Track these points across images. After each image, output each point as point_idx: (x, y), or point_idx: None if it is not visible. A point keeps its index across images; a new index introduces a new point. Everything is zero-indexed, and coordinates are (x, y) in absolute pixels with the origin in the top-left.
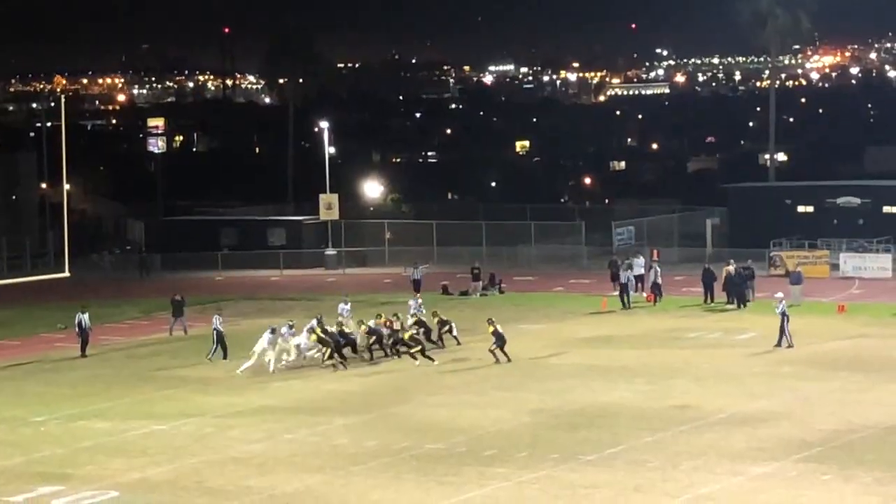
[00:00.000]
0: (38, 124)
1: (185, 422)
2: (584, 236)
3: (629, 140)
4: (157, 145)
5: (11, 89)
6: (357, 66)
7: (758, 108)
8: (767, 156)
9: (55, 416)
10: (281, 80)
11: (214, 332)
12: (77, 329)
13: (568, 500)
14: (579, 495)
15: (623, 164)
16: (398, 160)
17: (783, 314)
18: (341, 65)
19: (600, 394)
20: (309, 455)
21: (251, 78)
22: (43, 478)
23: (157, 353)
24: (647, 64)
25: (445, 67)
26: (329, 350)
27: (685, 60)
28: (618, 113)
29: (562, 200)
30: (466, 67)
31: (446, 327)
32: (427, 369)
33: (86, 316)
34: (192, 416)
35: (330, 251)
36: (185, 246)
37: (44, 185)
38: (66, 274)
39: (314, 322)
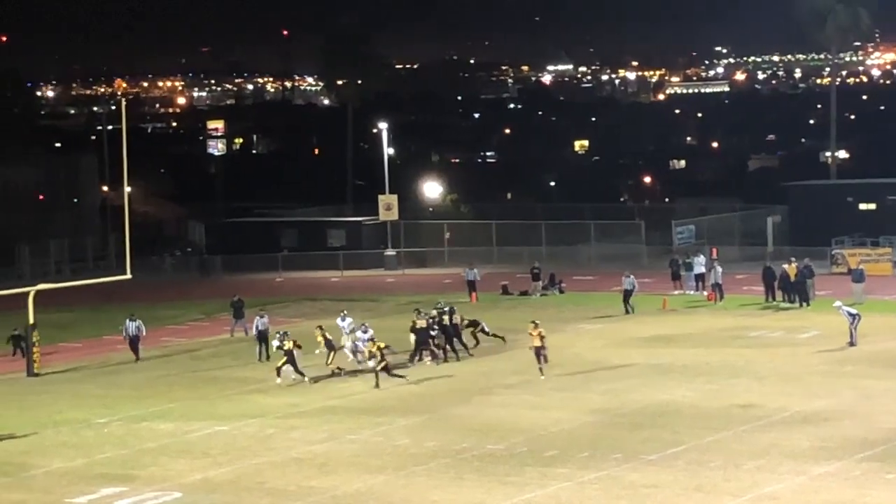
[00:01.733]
0: (99, 127)
1: (246, 423)
2: (643, 235)
3: (689, 139)
4: (216, 147)
5: (73, 93)
6: (415, 66)
7: (818, 106)
8: (828, 153)
9: (118, 418)
10: (339, 82)
11: (257, 332)
12: (125, 336)
13: (629, 500)
14: (641, 495)
15: (683, 162)
16: (457, 160)
17: (852, 315)
18: (400, 66)
19: (661, 393)
20: (370, 455)
21: (310, 80)
22: (106, 479)
23: (218, 354)
24: (707, 62)
25: (504, 67)
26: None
27: (745, 58)
28: (677, 111)
29: (621, 199)
30: (525, 67)
31: (478, 327)
32: (487, 369)
33: (134, 324)
34: (253, 417)
35: (389, 252)
36: (245, 247)
37: (105, 188)
38: (128, 276)
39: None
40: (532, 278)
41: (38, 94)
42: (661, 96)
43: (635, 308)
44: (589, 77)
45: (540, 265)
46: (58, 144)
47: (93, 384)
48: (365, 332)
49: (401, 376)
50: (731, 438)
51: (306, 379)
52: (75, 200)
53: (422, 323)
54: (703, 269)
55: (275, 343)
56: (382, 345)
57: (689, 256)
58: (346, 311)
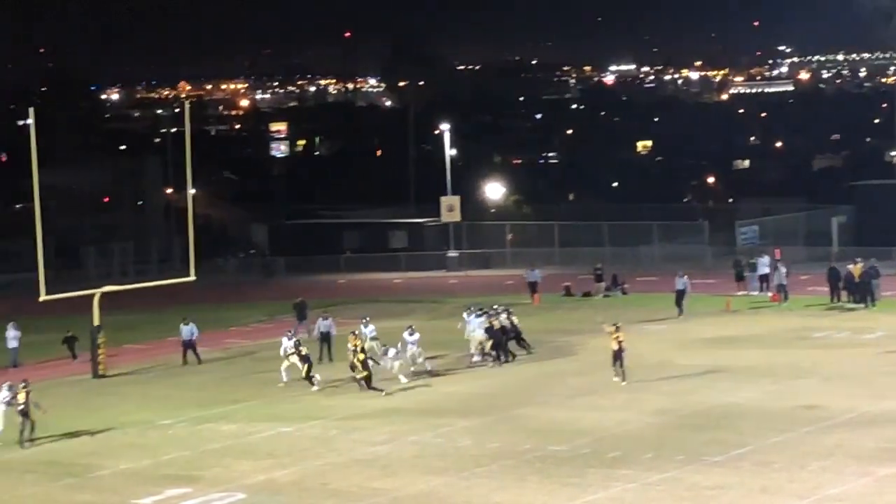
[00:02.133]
0: (164, 130)
1: (310, 424)
2: (707, 236)
3: (752, 138)
4: (279, 149)
5: (137, 96)
6: (477, 68)
7: (883, 105)
8: (894, 153)
9: (182, 419)
10: (401, 83)
11: (319, 334)
12: (181, 339)
13: (693, 501)
14: (705, 497)
15: (747, 162)
16: (519, 161)
17: None
18: (461, 67)
19: (726, 394)
20: (433, 457)
21: (372, 81)
22: (170, 480)
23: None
24: (771, 62)
25: (566, 68)
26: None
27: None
28: (741, 111)
29: (684, 200)
30: (587, 68)
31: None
32: (549, 370)
33: (188, 327)
34: (316, 419)
35: (452, 253)
36: (307, 249)
37: (169, 191)
38: (192, 278)
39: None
40: (595, 279)
41: (103, 97)
42: (724, 96)
43: (685, 309)
44: (652, 77)
45: (603, 266)
46: (123, 147)
47: (157, 386)
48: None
49: (379, 389)
50: (796, 440)
51: (314, 387)
52: (140, 203)
53: (497, 323)
54: (767, 270)
55: (289, 348)
56: (362, 356)
57: (753, 257)
58: (368, 318)
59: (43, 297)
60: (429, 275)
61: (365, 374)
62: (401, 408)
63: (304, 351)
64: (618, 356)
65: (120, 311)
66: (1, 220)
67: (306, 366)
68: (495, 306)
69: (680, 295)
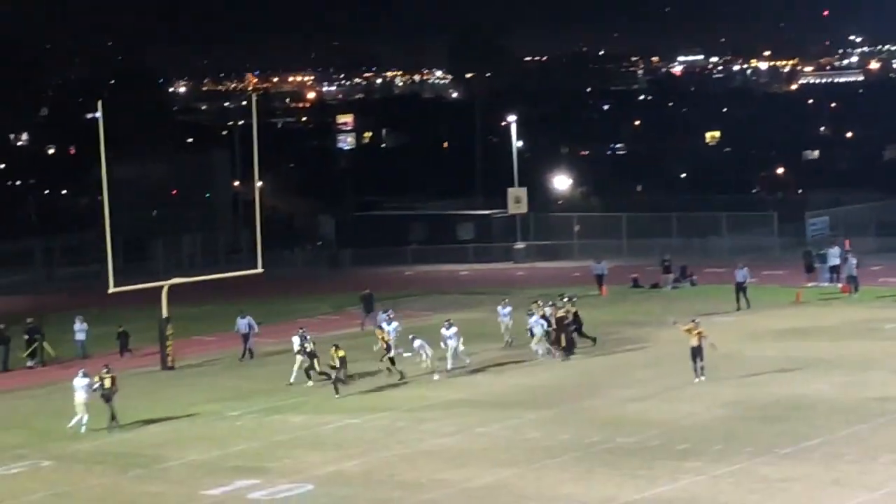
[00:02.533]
0: (231, 123)
1: (377, 416)
2: (776, 227)
3: (822, 129)
4: (346, 142)
5: (204, 88)
6: (544, 59)
7: None
8: None
9: (251, 411)
10: (468, 75)
11: (379, 328)
12: (238, 332)
13: (763, 493)
14: (775, 489)
15: (816, 153)
16: (586, 153)
17: None
18: (528, 59)
19: (796, 386)
20: (501, 449)
21: (438, 73)
22: (239, 471)
23: (349, 347)
24: (840, 51)
25: (633, 59)
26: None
27: (879, 47)
28: (810, 101)
29: (753, 191)
30: (654, 58)
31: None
32: (618, 362)
33: (245, 320)
34: (384, 410)
35: (519, 245)
36: (374, 241)
37: (236, 183)
38: (260, 270)
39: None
40: (663, 270)
41: (171, 90)
42: (793, 86)
43: (749, 302)
44: (720, 67)
45: (671, 257)
46: (190, 140)
47: (225, 377)
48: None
49: (336, 392)
50: (867, 432)
51: (310, 382)
52: (207, 195)
53: (560, 313)
54: (837, 261)
55: (295, 344)
56: (342, 353)
57: (823, 248)
58: (391, 313)
59: (112, 290)
60: (496, 266)
61: (343, 369)
62: (469, 399)
63: (309, 347)
64: (697, 353)
65: (188, 303)
66: (70, 214)
67: (310, 361)
68: (565, 297)
69: (740, 287)
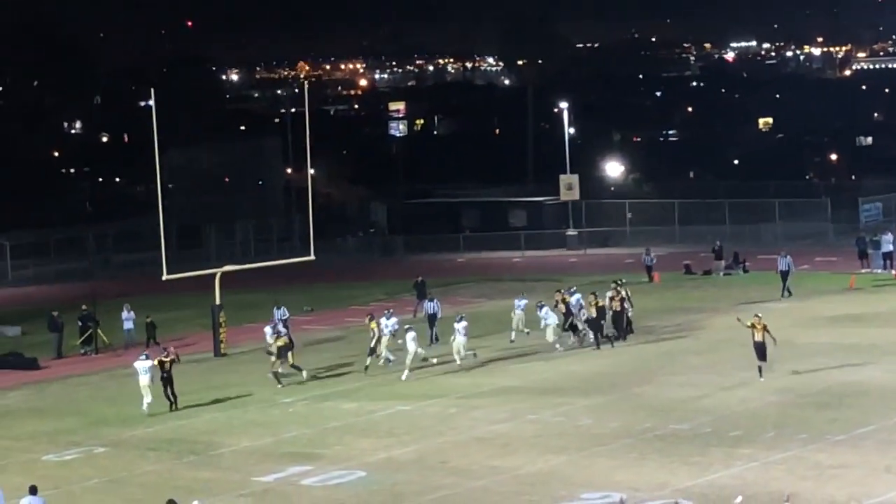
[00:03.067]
0: (283, 111)
1: (429, 402)
2: (829, 213)
3: (876, 115)
4: (398, 129)
5: (257, 76)
6: (596, 46)
7: None
8: None
9: (303, 397)
10: (520, 62)
11: (426, 316)
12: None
13: (816, 480)
14: (827, 476)
15: (870, 139)
16: (638, 139)
17: None
18: (580, 45)
19: (849, 373)
20: (553, 436)
21: (490, 60)
22: (292, 458)
23: (401, 334)
24: (894, 37)
25: (686, 45)
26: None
27: None
28: (864, 87)
29: (806, 177)
30: (707, 45)
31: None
32: (669, 349)
33: (280, 311)
34: (436, 397)
35: (571, 232)
36: (426, 228)
37: (289, 170)
38: (312, 257)
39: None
40: (714, 257)
41: (223, 78)
42: (846, 72)
43: (790, 290)
44: (773, 53)
45: (722, 244)
46: (242, 128)
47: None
48: (394, 326)
49: (280, 383)
50: None
51: (280, 384)
52: (260, 183)
53: (602, 303)
54: (890, 248)
55: (268, 335)
56: (282, 343)
57: (876, 234)
58: (392, 310)
59: (166, 277)
60: (548, 253)
61: (277, 362)
62: (520, 387)
63: (281, 343)
64: (761, 349)
65: (241, 290)
66: (123, 201)
67: (279, 359)
68: (617, 281)
69: (784, 275)
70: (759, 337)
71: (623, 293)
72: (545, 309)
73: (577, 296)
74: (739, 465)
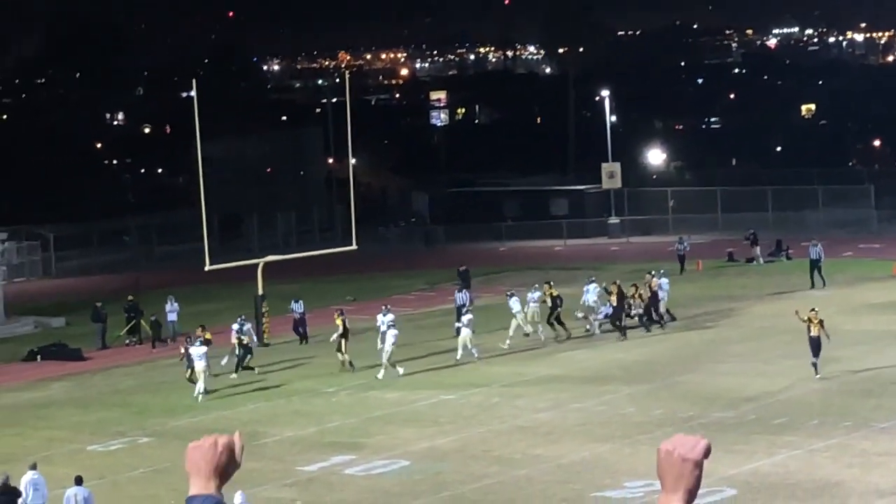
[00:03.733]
0: (324, 101)
1: (472, 391)
2: (873, 200)
3: None
4: (439, 118)
5: (298, 67)
6: (638, 33)
7: None
8: None
9: (346, 387)
10: (561, 50)
11: (456, 307)
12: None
13: (861, 468)
14: (872, 463)
15: None
16: (680, 127)
17: None
18: (621, 33)
19: (893, 359)
20: (596, 424)
21: (531, 48)
22: (335, 447)
23: (443, 324)
24: None
25: (727, 32)
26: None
27: None
28: None
29: (850, 164)
30: (749, 31)
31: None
32: (713, 337)
33: (297, 304)
34: (479, 386)
35: (613, 220)
36: (468, 217)
37: (330, 160)
38: (354, 247)
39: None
40: (750, 244)
41: (265, 68)
42: (889, 58)
43: (826, 280)
44: (815, 40)
45: (755, 231)
46: (284, 118)
47: (321, 353)
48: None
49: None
50: None
51: (234, 375)
52: (301, 173)
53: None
54: None
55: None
56: (208, 335)
57: None
58: (388, 306)
59: (208, 267)
60: (590, 242)
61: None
62: (563, 375)
63: (245, 340)
64: (817, 345)
65: (283, 280)
66: (165, 192)
67: (237, 358)
68: (652, 272)
69: (814, 265)
70: (814, 332)
71: (653, 282)
72: (514, 299)
73: (594, 287)
74: (783, 453)
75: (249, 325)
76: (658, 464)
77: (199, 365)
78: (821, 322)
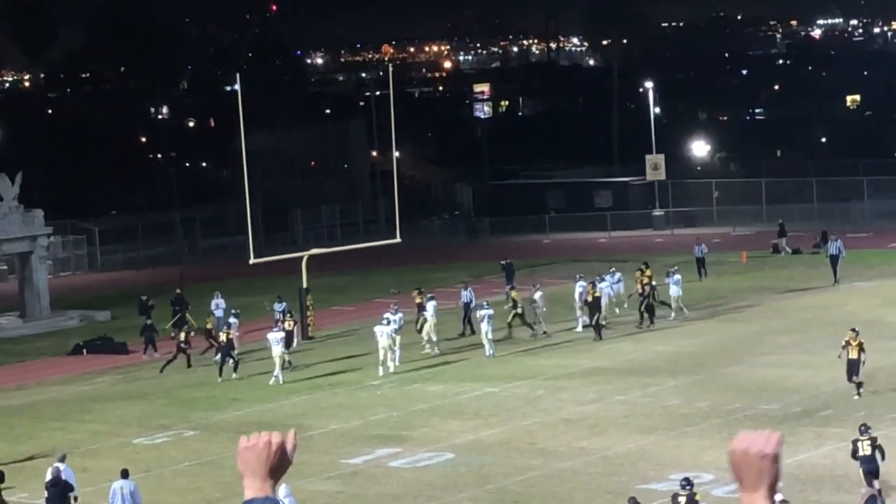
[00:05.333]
0: (368, 93)
1: (516, 384)
2: None
3: None
4: (482, 111)
5: (341, 59)
6: (681, 24)
7: None
8: None
9: (390, 380)
10: (604, 42)
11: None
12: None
13: None
14: None
15: None
16: (725, 118)
17: None
18: (665, 24)
19: None
20: (641, 416)
21: (574, 40)
22: (380, 440)
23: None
24: None
25: (772, 23)
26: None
27: None
28: None
29: (895, 155)
30: (793, 22)
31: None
32: (758, 328)
33: (281, 306)
34: (523, 379)
35: (657, 212)
36: (512, 209)
37: (374, 153)
38: (398, 240)
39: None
40: (777, 234)
41: (308, 61)
42: None
43: (839, 278)
44: (860, 30)
45: (783, 221)
46: (328, 111)
47: (364, 346)
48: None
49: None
50: None
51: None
52: (345, 166)
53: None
54: None
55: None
56: (290, 323)
57: None
58: (397, 306)
59: (253, 261)
60: (634, 234)
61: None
62: (608, 367)
63: (223, 337)
64: (854, 368)
65: (327, 273)
66: (210, 186)
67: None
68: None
69: (833, 260)
70: (853, 355)
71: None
72: (399, 315)
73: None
74: (829, 445)
75: (284, 305)
76: (733, 465)
77: (277, 350)
78: (860, 345)
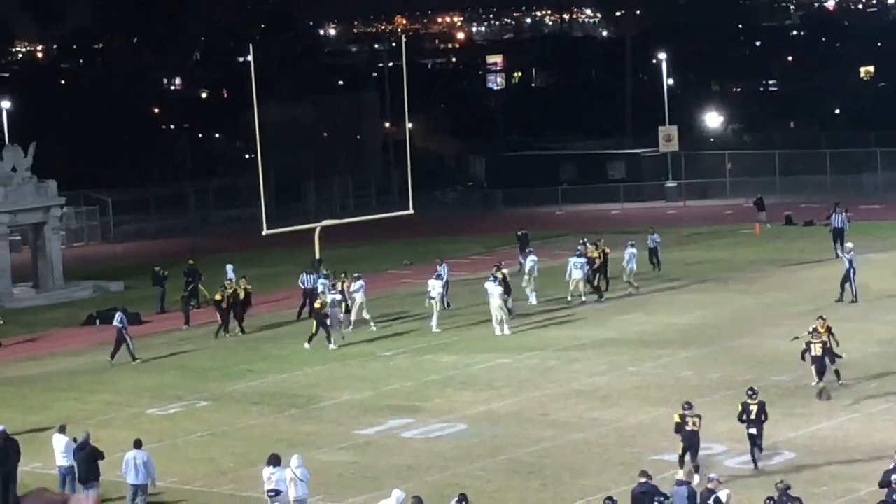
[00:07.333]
0: (381, 65)
1: (528, 355)
2: None
3: None
4: (496, 82)
5: (354, 31)
6: None
7: None
8: None
9: (402, 351)
10: (618, 13)
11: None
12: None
13: None
14: None
15: None
16: (738, 90)
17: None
18: None
19: None
20: (653, 387)
21: (588, 11)
22: (392, 411)
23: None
24: None
25: None
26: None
27: None
28: None
29: None
30: None
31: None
32: (770, 300)
33: (311, 276)
34: (535, 350)
35: (670, 183)
36: (525, 181)
37: (387, 124)
38: (411, 211)
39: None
40: (756, 209)
41: (321, 32)
42: None
43: (839, 253)
44: (874, 1)
45: (762, 195)
46: (340, 83)
47: (379, 317)
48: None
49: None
50: None
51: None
52: (358, 137)
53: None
54: None
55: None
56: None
57: None
58: (358, 274)
59: (265, 232)
60: (647, 205)
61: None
62: (620, 339)
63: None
64: (820, 364)
65: (340, 244)
66: (223, 157)
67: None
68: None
69: (837, 233)
70: (816, 351)
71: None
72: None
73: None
74: (842, 416)
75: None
76: None
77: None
78: (829, 330)
